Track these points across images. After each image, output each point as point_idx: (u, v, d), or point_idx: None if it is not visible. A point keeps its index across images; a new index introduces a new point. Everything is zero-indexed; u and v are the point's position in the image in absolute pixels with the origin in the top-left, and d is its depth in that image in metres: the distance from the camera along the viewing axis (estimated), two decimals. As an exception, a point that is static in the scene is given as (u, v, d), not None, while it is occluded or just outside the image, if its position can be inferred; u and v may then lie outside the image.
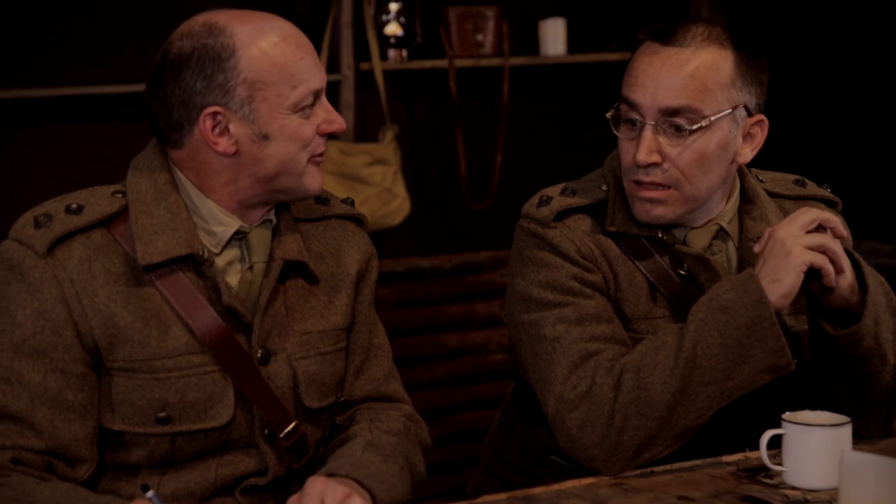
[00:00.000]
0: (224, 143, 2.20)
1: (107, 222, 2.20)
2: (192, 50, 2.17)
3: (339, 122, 2.27)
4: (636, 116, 2.41)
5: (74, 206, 2.19)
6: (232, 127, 2.19)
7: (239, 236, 2.26)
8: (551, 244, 2.46)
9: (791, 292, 2.33)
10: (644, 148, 2.39)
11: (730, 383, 2.33)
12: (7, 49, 4.21)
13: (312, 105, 2.23)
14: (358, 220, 2.42)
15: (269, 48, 2.18)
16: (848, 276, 2.36)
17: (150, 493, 2.05)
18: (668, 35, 2.41)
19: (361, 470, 2.18)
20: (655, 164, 2.40)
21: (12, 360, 2.13)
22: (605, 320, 2.42)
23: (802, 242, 2.32)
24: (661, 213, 2.43)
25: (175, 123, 2.21)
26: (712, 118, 2.39)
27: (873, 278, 2.41)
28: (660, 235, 2.47)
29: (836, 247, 2.34)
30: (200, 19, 2.20)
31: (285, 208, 2.32)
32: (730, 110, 2.41)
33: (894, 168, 4.88)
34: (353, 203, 2.45)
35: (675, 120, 2.39)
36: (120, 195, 2.23)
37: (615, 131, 2.46)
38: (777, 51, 2.45)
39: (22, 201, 2.48)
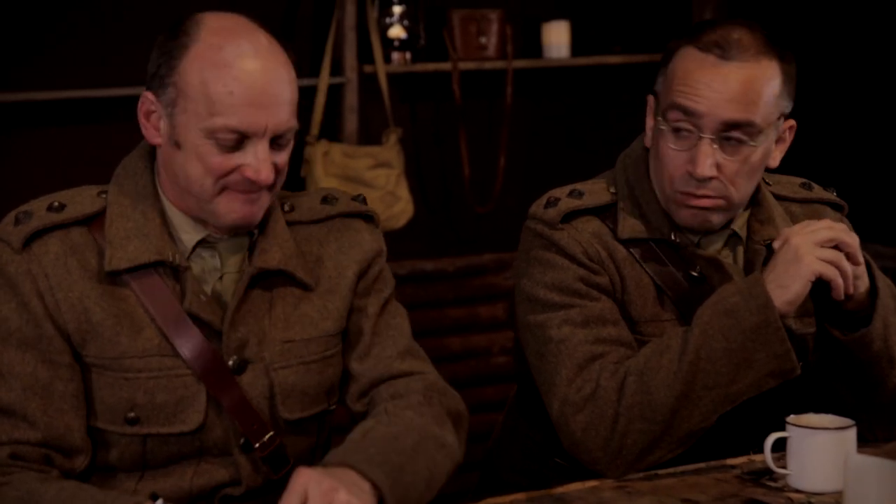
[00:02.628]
0: (151, 130, 2.18)
1: (86, 221, 2.20)
2: (164, 37, 2.17)
3: (262, 174, 2.12)
4: (690, 127, 2.39)
5: (56, 203, 2.19)
6: (160, 120, 2.17)
7: (211, 243, 2.22)
8: (558, 245, 2.45)
9: (797, 299, 2.32)
10: (703, 162, 2.37)
11: (734, 388, 2.32)
12: (7, 51, 4.20)
13: (241, 144, 2.12)
14: (367, 217, 2.36)
15: (208, 66, 2.11)
16: (861, 287, 2.36)
17: (159, 502, 2.03)
18: (722, 48, 2.37)
19: (357, 455, 2.07)
20: (711, 177, 2.39)
21: (1, 354, 2.14)
22: (612, 322, 2.41)
23: (816, 253, 2.31)
24: (713, 219, 2.44)
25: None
26: (766, 130, 2.38)
27: (882, 281, 2.42)
28: (672, 238, 2.46)
29: (849, 267, 2.33)
30: (200, 14, 2.18)
31: (272, 213, 2.26)
32: (776, 120, 2.41)
33: (899, 171, 4.88)
34: (364, 200, 2.38)
35: (734, 134, 2.37)
36: (104, 195, 2.22)
37: (655, 123, 2.43)
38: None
39: (22, 204, 2.47)
